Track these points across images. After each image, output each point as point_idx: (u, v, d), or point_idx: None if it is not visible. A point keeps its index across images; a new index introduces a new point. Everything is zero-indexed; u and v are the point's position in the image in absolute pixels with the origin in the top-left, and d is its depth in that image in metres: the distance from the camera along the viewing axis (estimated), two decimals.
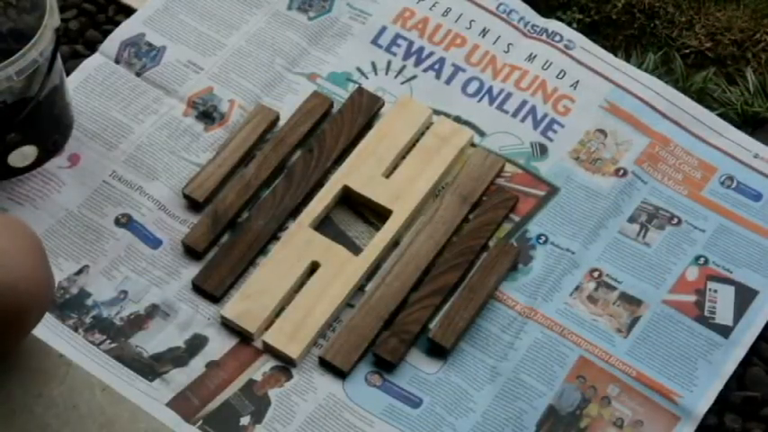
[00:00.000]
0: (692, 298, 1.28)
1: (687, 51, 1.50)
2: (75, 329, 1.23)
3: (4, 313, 1.01)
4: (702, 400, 1.21)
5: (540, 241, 1.31)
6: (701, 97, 1.44)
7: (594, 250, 1.30)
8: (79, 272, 1.27)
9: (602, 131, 1.39)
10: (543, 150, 1.38)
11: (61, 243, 1.28)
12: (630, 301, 1.27)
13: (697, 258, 1.30)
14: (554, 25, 1.47)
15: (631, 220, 1.33)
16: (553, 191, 1.35)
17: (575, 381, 1.22)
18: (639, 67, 1.45)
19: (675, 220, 1.33)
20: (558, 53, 1.45)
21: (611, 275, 1.29)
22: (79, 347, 1.21)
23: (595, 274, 1.29)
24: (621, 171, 1.36)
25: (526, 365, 1.23)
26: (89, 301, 1.25)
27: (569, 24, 1.49)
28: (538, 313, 1.26)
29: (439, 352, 1.23)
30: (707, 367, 1.23)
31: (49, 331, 1.19)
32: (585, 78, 1.43)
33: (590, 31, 1.49)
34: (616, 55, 1.46)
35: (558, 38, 1.46)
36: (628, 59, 1.47)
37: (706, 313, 1.26)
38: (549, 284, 1.28)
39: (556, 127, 1.40)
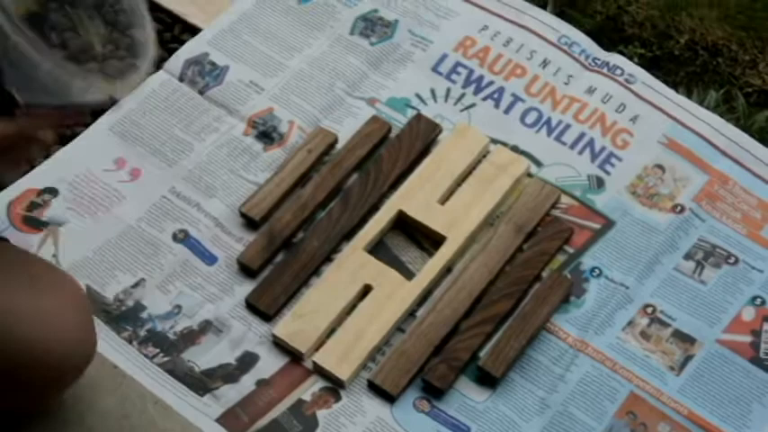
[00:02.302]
0: (748, 339, 1.26)
1: (750, 90, 1.49)
2: (130, 342, 1.24)
3: (41, 373, 1.02)
4: None
5: (594, 274, 1.31)
6: (763, 137, 1.43)
7: (649, 286, 1.30)
8: (136, 285, 1.28)
9: (660, 167, 1.39)
10: (600, 183, 1.38)
11: (119, 256, 1.30)
12: (684, 338, 1.26)
13: (753, 299, 1.29)
14: (615, 59, 1.47)
15: (687, 257, 1.32)
16: (609, 224, 1.34)
17: (625, 417, 1.21)
18: (701, 104, 1.44)
19: (732, 259, 1.32)
20: (619, 87, 1.45)
21: (665, 312, 1.28)
22: (133, 360, 1.22)
23: (649, 309, 1.28)
24: (679, 207, 1.35)
25: (576, 399, 1.22)
26: (144, 315, 1.26)
27: (631, 59, 1.49)
28: (589, 346, 1.25)
29: (488, 380, 1.23)
30: (761, 410, 1.21)
31: (105, 342, 1.21)
32: (645, 113, 1.43)
33: (651, 66, 1.49)
34: (677, 91, 1.45)
35: (618, 71, 1.46)
36: (689, 96, 1.46)
37: (761, 355, 1.25)
38: (602, 318, 1.27)
39: (613, 160, 1.39)
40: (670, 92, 1.45)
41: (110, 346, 1.21)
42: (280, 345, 1.25)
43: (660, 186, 1.37)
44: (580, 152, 1.40)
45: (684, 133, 1.41)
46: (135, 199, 1.35)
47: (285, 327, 1.25)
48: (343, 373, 1.22)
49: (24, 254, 1.15)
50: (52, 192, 1.35)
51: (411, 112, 1.43)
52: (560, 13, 1.54)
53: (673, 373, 1.24)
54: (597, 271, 1.31)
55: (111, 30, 0.95)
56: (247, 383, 1.22)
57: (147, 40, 0.97)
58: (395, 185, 1.37)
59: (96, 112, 1.39)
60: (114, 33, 0.95)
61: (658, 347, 1.26)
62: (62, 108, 0.95)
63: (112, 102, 0.96)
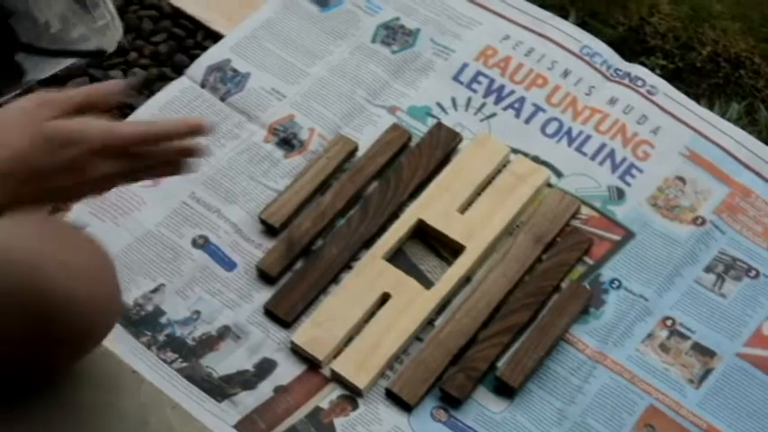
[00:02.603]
0: None
1: None
2: (149, 347, 1.24)
3: (69, 328, 1.02)
4: None
5: (613, 286, 1.30)
6: None
7: (669, 298, 1.29)
8: (155, 290, 1.29)
9: (681, 179, 1.38)
10: (620, 194, 1.37)
11: (139, 260, 1.30)
12: (703, 351, 1.26)
13: None
14: (637, 70, 1.47)
15: (708, 269, 1.31)
16: (629, 236, 1.34)
17: (643, 429, 1.20)
18: (723, 116, 1.44)
19: (753, 273, 1.31)
20: (640, 98, 1.44)
21: (685, 325, 1.27)
22: (152, 365, 1.22)
23: (668, 322, 1.28)
24: (699, 220, 1.35)
25: (594, 410, 1.22)
26: (163, 320, 1.26)
27: (653, 70, 1.48)
28: (608, 358, 1.25)
29: (506, 391, 1.23)
30: None
31: (124, 347, 1.21)
32: (667, 125, 1.42)
33: (673, 77, 1.48)
34: (699, 103, 1.45)
35: (640, 83, 1.46)
36: (711, 108, 1.45)
37: None
38: (621, 330, 1.27)
39: (634, 172, 1.39)
40: (692, 104, 1.44)
41: (129, 350, 1.22)
42: (298, 352, 1.25)
43: (681, 198, 1.37)
44: (601, 163, 1.40)
45: (706, 145, 1.40)
46: (155, 204, 1.35)
47: (303, 334, 1.25)
48: (360, 381, 1.22)
49: (49, 215, 1.16)
50: None
51: (431, 121, 1.43)
52: (582, 24, 1.54)
53: (692, 386, 1.23)
54: (617, 282, 1.31)
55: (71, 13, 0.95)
56: (265, 390, 1.22)
57: (109, 22, 0.96)
58: (414, 194, 1.37)
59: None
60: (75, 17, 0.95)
61: (677, 360, 1.25)
62: (58, 54, 0.94)
63: (100, 53, 0.96)
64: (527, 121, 1.44)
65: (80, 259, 1.04)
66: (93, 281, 1.03)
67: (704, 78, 1.51)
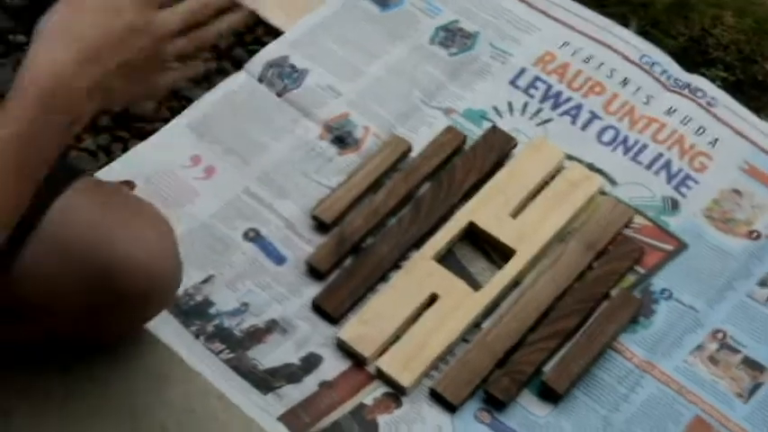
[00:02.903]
0: None
1: None
2: (197, 336, 1.25)
3: (129, 292, 1.04)
4: None
5: (664, 296, 1.29)
6: None
7: (720, 311, 1.28)
8: (205, 281, 1.30)
9: (737, 192, 1.37)
10: (675, 205, 1.36)
11: (191, 251, 1.31)
12: (753, 366, 1.24)
13: None
14: (697, 81, 1.45)
15: (761, 284, 1.29)
16: (681, 246, 1.33)
17: None
18: None
19: None
20: (700, 109, 1.43)
21: (735, 338, 1.26)
22: (199, 354, 1.23)
23: (719, 335, 1.26)
24: (755, 234, 1.33)
25: (639, 420, 1.21)
26: (212, 310, 1.28)
27: (713, 82, 1.47)
28: (656, 368, 1.24)
29: (551, 396, 1.22)
30: None
31: (173, 336, 1.22)
32: (725, 137, 1.41)
33: (734, 90, 1.47)
34: (759, 117, 1.43)
35: (700, 94, 1.44)
36: None
37: None
38: (670, 340, 1.26)
39: (690, 183, 1.38)
40: (752, 117, 1.43)
41: (177, 339, 1.23)
42: (344, 348, 1.25)
43: (736, 212, 1.35)
44: (656, 173, 1.39)
45: (765, 159, 1.38)
46: (208, 196, 1.36)
47: (350, 330, 1.25)
48: (405, 379, 1.22)
49: (107, 182, 1.18)
50: (129, 185, 1.37)
51: (487, 124, 1.43)
52: (643, 33, 1.53)
53: (740, 400, 1.22)
54: (667, 293, 1.29)
55: None
56: (310, 384, 1.22)
57: None
58: (467, 196, 1.37)
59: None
60: None
61: (727, 373, 1.23)
62: None
63: None
64: (583, 128, 1.43)
65: (139, 225, 1.05)
66: (153, 245, 1.05)
67: (765, 92, 1.49)
